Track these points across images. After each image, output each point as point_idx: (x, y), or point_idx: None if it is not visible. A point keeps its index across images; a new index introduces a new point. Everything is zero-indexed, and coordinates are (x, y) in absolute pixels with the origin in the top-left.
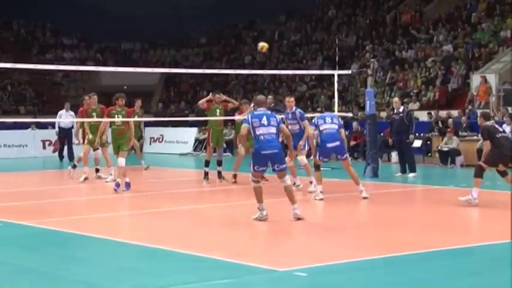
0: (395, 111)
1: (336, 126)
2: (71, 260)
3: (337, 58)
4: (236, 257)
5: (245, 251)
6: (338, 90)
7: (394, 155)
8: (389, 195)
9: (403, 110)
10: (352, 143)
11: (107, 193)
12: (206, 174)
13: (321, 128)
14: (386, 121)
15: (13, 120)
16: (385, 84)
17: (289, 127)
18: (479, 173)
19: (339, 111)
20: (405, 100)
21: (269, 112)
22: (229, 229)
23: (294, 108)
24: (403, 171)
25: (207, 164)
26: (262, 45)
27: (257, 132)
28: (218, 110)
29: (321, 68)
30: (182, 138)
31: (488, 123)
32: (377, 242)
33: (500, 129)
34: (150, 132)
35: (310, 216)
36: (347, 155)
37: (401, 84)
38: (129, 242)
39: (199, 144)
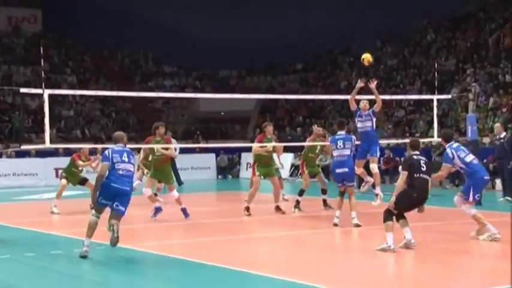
0: (497, 136)
1: (348, 152)
2: (158, 279)
3: (436, 82)
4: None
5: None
6: (437, 115)
7: (498, 182)
8: (493, 224)
9: (505, 135)
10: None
11: (196, 219)
12: (298, 203)
13: (333, 154)
14: (490, 147)
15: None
16: (488, 109)
17: (360, 124)
18: (388, 216)
19: (438, 136)
20: (509, 125)
21: (128, 149)
22: (325, 254)
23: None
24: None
25: (301, 193)
26: (364, 57)
27: (116, 167)
28: (318, 146)
29: (420, 93)
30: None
31: (415, 156)
32: (478, 272)
33: (423, 168)
34: (247, 157)
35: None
36: (354, 183)
37: (505, 109)
38: (226, 266)
39: (295, 170)
